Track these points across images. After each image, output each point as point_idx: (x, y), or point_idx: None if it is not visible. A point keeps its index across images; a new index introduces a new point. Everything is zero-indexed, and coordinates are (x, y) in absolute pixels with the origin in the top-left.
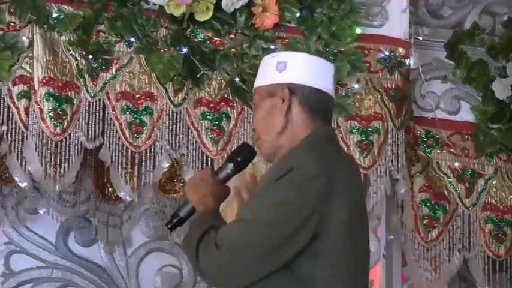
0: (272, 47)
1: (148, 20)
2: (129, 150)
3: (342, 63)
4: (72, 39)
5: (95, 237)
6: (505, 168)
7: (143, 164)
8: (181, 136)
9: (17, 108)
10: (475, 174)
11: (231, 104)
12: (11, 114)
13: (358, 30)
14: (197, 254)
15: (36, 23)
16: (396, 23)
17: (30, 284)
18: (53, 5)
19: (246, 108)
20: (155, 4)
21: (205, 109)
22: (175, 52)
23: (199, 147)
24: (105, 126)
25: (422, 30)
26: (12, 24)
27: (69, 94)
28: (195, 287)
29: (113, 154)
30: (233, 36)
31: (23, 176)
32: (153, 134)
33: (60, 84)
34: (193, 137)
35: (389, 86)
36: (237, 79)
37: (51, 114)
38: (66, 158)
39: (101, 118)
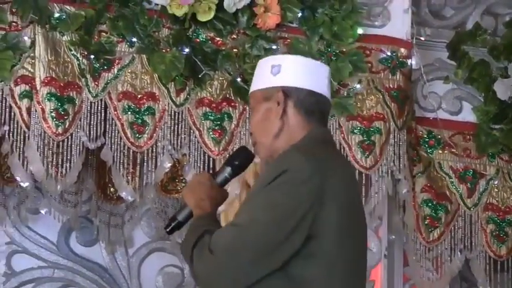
0: (274, 47)
1: (150, 20)
2: (131, 150)
3: (344, 64)
4: (74, 39)
5: (96, 237)
6: (506, 168)
7: (145, 164)
8: (183, 136)
9: (19, 108)
10: (477, 174)
11: (232, 104)
12: (12, 114)
13: (360, 31)
14: (192, 259)
15: (38, 23)
16: (398, 23)
17: (32, 284)
18: (55, 5)
19: (247, 108)
20: (157, 4)
21: (207, 109)
22: (177, 52)
23: (201, 147)
24: (107, 126)
25: (424, 30)
26: (14, 24)
27: (71, 94)
28: (196, 287)
29: (115, 154)
30: (235, 37)
31: (24, 176)
32: (154, 134)
33: (62, 84)
34: (195, 137)
35: (391, 86)
36: (238, 79)
37: (53, 114)
38: (68, 158)
39: (102, 118)
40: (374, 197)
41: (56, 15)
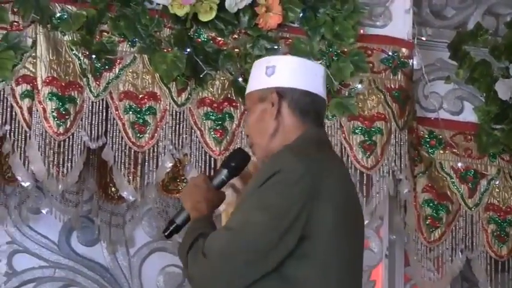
0: (275, 47)
1: (151, 20)
2: (132, 150)
3: (345, 64)
4: (75, 39)
5: (97, 237)
6: (507, 168)
7: (146, 163)
8: (184, 136)
9: (20, 107)
10: (478, 174)
11: (234, 104)
12: (14, 113)
13: (361, 31)
14: (187, 263)
15: (40, 23)
16: (399, 23)
17: (33, 284)
18: (57, 4)
19: None
20: (159, 4)
21: (209, 109)
22: (179, 52)
23: (202, 147)
24: (108, 126)
25: (426, 30)
26: (15, 23)
27: (73, 94)
28: None
29: (116, 154)
30: (236, 36)
31: (26, 176)
32: (156, 134)
33: (63, 84)
34: (197, 136)
35: (392, 86)
36: (240, 79)
37: (54, 113)
38: (69, 157)
39: (104, 118)
40: (375, 197)
41: (58, 14)
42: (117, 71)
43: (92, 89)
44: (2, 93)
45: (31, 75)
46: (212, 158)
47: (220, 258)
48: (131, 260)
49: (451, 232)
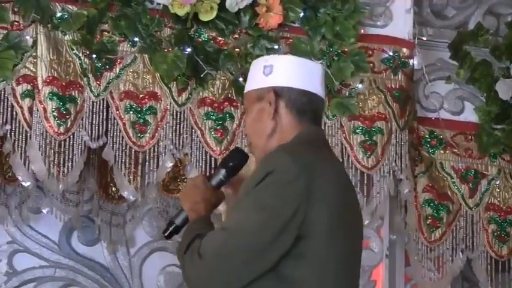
0: (276, 47)
1: (152, 20)
2: (133, 150)
3: (346, 64)
4: (76, 39)
5: (98, 237)
6: (508, 168)
7: (147, 163)
8: (184, 136)
9: (21, 107)
10: (479, 174)
11: (234, 103)
12: (14, 113)
13: (361, 31)
14: (184, 264)
15: (40, 23)
16: (400, 23)
17: (34, 283)
18: (57, 4)
19: None
20: (159, 4)
21: (209, 109)
22: (179, 52)
23: (202, 147)
24: (109, 125)
25: (426, 30)
26: (16, 23)
27: (73, 93)
28: None
29: (117, 153)
30: (237, 36)
31: (26, 175)
32: (156, 134)
33: (64, 84)
34: (197, 136)
35: (393, 86)
36: (240, 79)
37: (54, 113)
38: (70, 157)
39: (104, 117)
40: (376, 197)
41: (58, 14)
42: (117, 71)
43: (93, 88)
44: (2, 92)
45: (32, 74)
46: (213, 158)
47: (217, 258)
48: (132, 259)
49: (452, 232)
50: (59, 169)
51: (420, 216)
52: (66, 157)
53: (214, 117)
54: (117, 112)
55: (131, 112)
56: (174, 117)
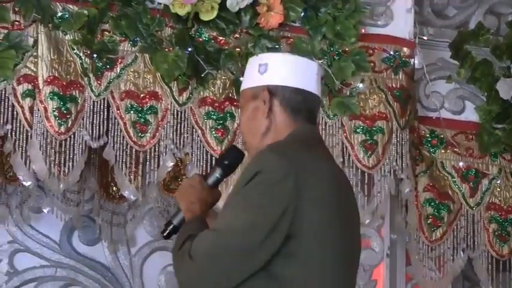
0: (277, 46)
1: (153, 20)
2: (134, 150)
3: (347, 63)
4: (76, 38)
5: (99, 236)
6: (509, 168)
7: (147, 163)
8: (185, 135)
9: (22, 107)
10: (479, 174)
11: (235, 103)
12: (15, 113)
13: (362, 30)
14: (176, 265)
15: (41, 22)
16: (401, 22)
17: (34, 283)
18: (58, 4)
19: None
20: (160, 3)
21: (210, 108)
22: (180, 51)
23: (203, 147)
24: (110, 125)
25: (427, 30)
26: (16, 23)
27: (74, 93)
28: None
29: (117, 153)
30: (238, 36)
31: (27, 175)
32: (157, 133)
33: (64, 83)
34: (198, 136)
35: (393, 85)
36: (241, 78)
37: (55, 113)
38: (71, 157)
39: (105, 117)
40: (376, 196)
41: (59, 14)
42: (118, 71)
43: (93, 88)
44: (3, 92)
45: (32, 74)
46: (213, 158)
47: (207, 259)
48: (132, 259)
49: (453, 231)
50: (59, 169)
51: (421, 215)
52: (67, 157)
53: (215, 117)
54: (118, 112)
55: (132, 112)
56: (175, 116)
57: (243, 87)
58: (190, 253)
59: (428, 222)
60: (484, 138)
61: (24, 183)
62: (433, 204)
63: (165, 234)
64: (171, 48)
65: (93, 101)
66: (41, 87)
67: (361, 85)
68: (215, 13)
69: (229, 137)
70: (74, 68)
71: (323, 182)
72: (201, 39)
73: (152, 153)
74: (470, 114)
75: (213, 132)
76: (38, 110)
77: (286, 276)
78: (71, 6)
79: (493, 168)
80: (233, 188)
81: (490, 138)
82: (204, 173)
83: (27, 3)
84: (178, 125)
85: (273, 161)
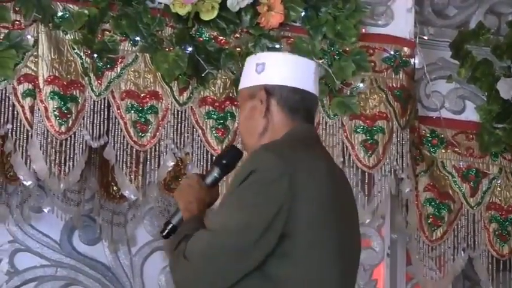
0: (277, 46)
1: (153, 19)
2: (134, 149)
3: (347, 63)
4: (77, 38)
5: (99, 236)
6: (509, 167)
7: (148, 162)
8: (186, 135)
9: (22, 106)
10: (480, 173)
11: (236, 103)
12: (15, 112)
13: (363, 30)
14: (171, 266)
15: (42, 22)
16: (401, 22)
17: (35, 283)
18: (58, 3)
19: None
20: (160, 3)
21: (210, 108)
22: (180, 51)
23: (204, 146)
24: (110, 125)
25: (428, 29)
26: (17, 22)
27: (74, 93)
28: None
29: (118, 153)
30: (238, 36)
31: (27, 175)
32: (157, 133)
33: (65, 83)
34: (198, 135)
35: (394, 85)
36: None
37: (56, 112)
38: (71, 156)
39: (105, 117)
40: (377, 196)
41: (59, 14)
42: (118, 70)
43: (94, 88)
44: (3, 92)
45: (33, 74)
46: (214, 157)
47: (202, 259)
48: (133, 259)
49: (453, 231)
50: (60, 168)
51: (421, 215)
52: (67, 156)
53: (215, 117)
54: (118, 111)
55: (132, 111)
56: (175, 116)
57: (241, 86)
58: (185, 253)
59: (429, 221)
60: (485, 138)
61: (24, 182)
62: (433, 203)
63: (164, 233)
64: (171, 48)
65: (94, 101)
66: (41, 86)
67: (361, 85)
68: (215, 13)
69: (229, 136)
70: (74, 67)
71: (319, 181)
72: (201, 39)
73: (153, 153)
74: (471, 114)
75: (214, 132)
76: (39, 109)
77: (281, 276)
78: (71, 5)
79: (493, 168)
80: (228, 187)
81: (490, 137)
82: (197, 173)
83: (28, 2)
84: (179, 124)
85: (268, 160)
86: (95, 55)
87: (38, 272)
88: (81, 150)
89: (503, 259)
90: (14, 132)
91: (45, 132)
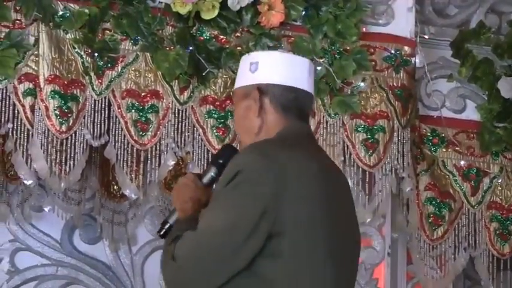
0: (278, 45)
1: (154, 18)
2: (135, 148)
3: (348, 62)
4: (77, 37)
5: (100, 235)
6: (510, 166)
7: (148, 161)
8: (186, 134)
9: (23, 106)
10: (481, 172)
11: None
12: (16, 112)
13: (363, 29)
14: (161, 266)
15: (42, 21)
16: (402, 21)
17: (35, 282)
18: (59, 2)
19: None
20: (161, 2)
21: (211, 107)
22: (181, 50)
23: (204, 145)
24: (111, 124)
25: (428, 29)
26: (18, 22)
27: (75, 92)
28: None
29: (119, 152)
30: (239, 35)
31: (28, 174)
32: (158, 132)
33: (65, 82)
34: (199, 135)
35: (395, 84)
36: None
37: (56, 112)
38: (72, 155)
39: (106, 116)
40: (377, 195)
41: (60, 13)
42: (119, 69)
43: (95, 87)
44: (4, 91)
45: (33, 73)
46: None
47: (189, 261)
48: (133, 258)
49: (454, 230)
50: (60, 167)
51: (422, 214)
52: (68, 155)
53: (216, 116)
54: (119, 110)
55: (133, 110)
56: (176, 115)
57: (236, 86)
58: (173, 255)
59: (430, 221)
60: (485, 137)
61: (25, 182)
62: (434, 203)
63: (161, 233)
64: (172, 47)
65: (94, 100)
66: (42, 86)
67: (362, 84)
68: (216, 12)
69: (230, 135)
70: (75, 66)
71: (308, 181)
72: (202, 38)
73: (153, 152)
74: (472, 113)
75: (214, 131)
76: (39, 108)
77: (270, 276)
78: (72, 5)
79: (494, 167)
80: (215, 188)
81: (491, 137)
82: (194, 172)
83: (29, 2)
84: (179, 123)
85: (254, 161)
86: (96, 54)
87: (39, 271)
88: (81, 149)
89: (504, 258)
90: (14, 132)
91: (46, 131)
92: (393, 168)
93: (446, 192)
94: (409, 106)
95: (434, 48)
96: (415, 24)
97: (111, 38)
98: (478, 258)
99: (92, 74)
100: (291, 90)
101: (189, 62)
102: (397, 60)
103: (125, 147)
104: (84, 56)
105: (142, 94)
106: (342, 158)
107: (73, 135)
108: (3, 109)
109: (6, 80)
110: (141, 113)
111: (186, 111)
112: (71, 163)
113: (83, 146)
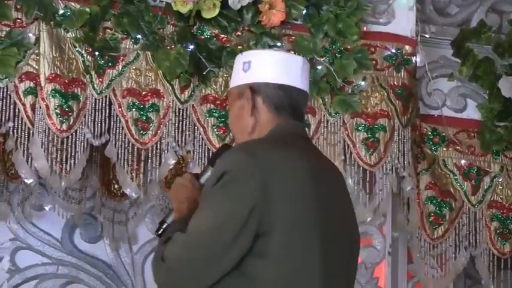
0: (278, 44)
1: (155, 17)
2: (135, 147)
3: (349, 61)
4: (78, 36)
5: (100, 234)
6: (510, 165)
7: (149, 160)
8: (187, 133)
9: (23, 104)
10: (481, 171)
11: None
12: (17, 110)
13: (364, 28)
14: (152, 268)
15: (43, 20)
16: (403, 20)
17: (36, 281)
18: (60, 1)
19: None
20: (162, 1)
21: (212, 106)
22: (182, 49)
23: (205, 144)
24: (111, 123)
25: (429, 28)
26: (18, 20)
27: (76, 91)
28: None
29: (119, 151)
30: (240, 34)
31: (29, 173)
32: (159, 131)
33: (66, 81)
34: (200, 133)
35: (395, 83)
36: None
37: (57, 110)
38: (72, 154)
39: (107, 115)
40: (378, 194)
41: (61, 11)
42: (120, 68)
43: (95, 86)
44: (5, 90)
45: (34, 72)
46: None
47: (178, 262)
48: (134, 257)
49: (454, 229)
50: (61, 166)
51: (423, 213)
52: (69, 154)
53: (216, 115)
54: (120, 109)
55: (134, 109)
56: (177, 114)
57: (230, 85)
58: (163, 256)
59: (430, 220)
60: (486, 136)
61: (26, 180)
62: (434, 202)
63: (159, 233)
64: (173, 46)
65: (95, 99)
66: (42, 84)
67: (363, 83)
68: (217, 11)
69: (230, 134)
70: (75, 65)
71: (298, 180)
72: (203, 37)
73: (154, 151)
74: (472, 112)
75: (215, 130)
76: (40, 107)
77: (259, 275)
78: (72, 3)
79: (494, 166)
80: (203, 189)
81: (491, 136)
82: (191, 172)
83: (29, 0)
84: (180, 122)
85: (241, 161)
86: (97, 53)
87: (39, 270)
88: (82, 148)
89: (505, 257)
90: (15, 130)
91: (47, 130)
92: (394, 167)
93: (446, 191)
94: (409, 105)
95: (435, 47)
96: (416, 23)
97: (112, 36)
98: (478, 257)
99: (93, 72)
100: (283, 88)
101: (189, 61)
102: (398, 59)
103: (126, 146)
104: (85, 55)
105: (143, 93)
106: (343, 157)
107: (74, 134)
108: (3, 108)
109: (7, 79)
110: (142, 112)
111: (186, 110)
112: (72, 162)
113: (84, 145)
